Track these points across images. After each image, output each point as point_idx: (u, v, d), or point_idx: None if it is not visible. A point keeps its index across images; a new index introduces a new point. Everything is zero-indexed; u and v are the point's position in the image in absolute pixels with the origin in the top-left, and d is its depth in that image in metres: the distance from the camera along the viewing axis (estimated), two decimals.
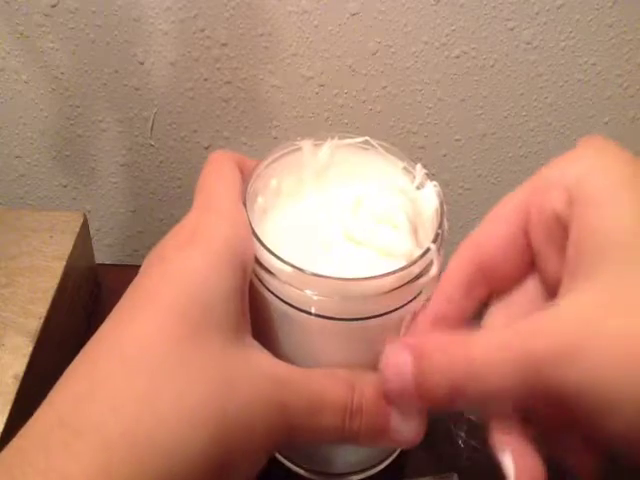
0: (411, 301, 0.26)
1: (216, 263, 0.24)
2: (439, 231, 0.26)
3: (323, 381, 0.25)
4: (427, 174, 0.29)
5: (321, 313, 0.25)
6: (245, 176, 0.29)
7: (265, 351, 0.25)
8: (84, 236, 0.43)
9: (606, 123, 0.48)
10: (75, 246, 0.41)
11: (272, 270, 0.25)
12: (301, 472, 0.32)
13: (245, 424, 0.22)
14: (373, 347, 0.27)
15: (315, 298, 0.25)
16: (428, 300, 0.26)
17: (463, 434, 0.35)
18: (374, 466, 0.33)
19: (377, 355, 0.27)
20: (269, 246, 0.25)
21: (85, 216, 0.43)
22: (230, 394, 0.22)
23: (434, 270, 0.26)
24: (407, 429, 0.26)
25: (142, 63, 0.45)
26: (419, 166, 0.29)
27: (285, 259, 0.25)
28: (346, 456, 0.32)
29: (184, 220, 0.26)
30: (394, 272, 0.25)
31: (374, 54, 0.45)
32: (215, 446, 0.21)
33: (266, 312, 0.27)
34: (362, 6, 0.43)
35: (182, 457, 0.21)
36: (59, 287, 0.38)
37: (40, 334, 0.36)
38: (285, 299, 0.26)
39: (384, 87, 0.46)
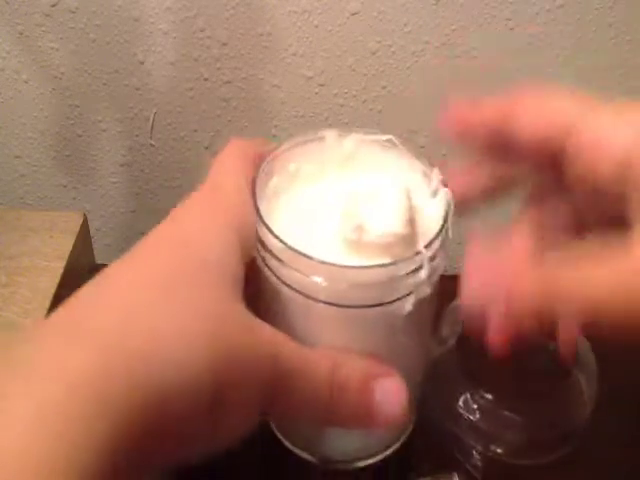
0: (412, 292, 0.26)
1: (219, 231, 0.25)
2: (441, 234, 0.26)
3: (312, 353, 0.26)
4: (443, 180, 0.28)
5: (329, 300, 0.26)
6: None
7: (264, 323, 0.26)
8: (84, 236, 0.43)
9: None
10: (75, 246, 0.41)
11: (280, 256, 0.26)
12: (309, 457, 0.33)
13: (238, 366, 0.22)
14: (376, 337, 0.27)
15: (324, 285, 0.25)
16: None
17: (462, 434, 0.35)
18: (380, 452, 0.33)
19: (377, 344, 0.27)
20: (279, 228, 0.26)
21: (85, 216, 0.43)
22: (225, 334, 0.22)
23: (437, 264, 0.26)
24: (391, 411, 0.26)
25: (142, 63, 0.45)
26: (436, 170, 0.29)
27: (293, 245, 0.25)
28: (353, 442, 0.33)
29: (193, 193, 0.28)
30: (400, 261, 0.25)
31: (374, 54, 0.45)
32: (209, 376, 0.21)
33: (271, 297, 0.28)
34: (362, 6, 0.43)
35: (176, 377, 0.20)
36: (59, 287, 0.38)
37: None
38: (293, 285, 0.26)
39: (384, 87, 0.46)
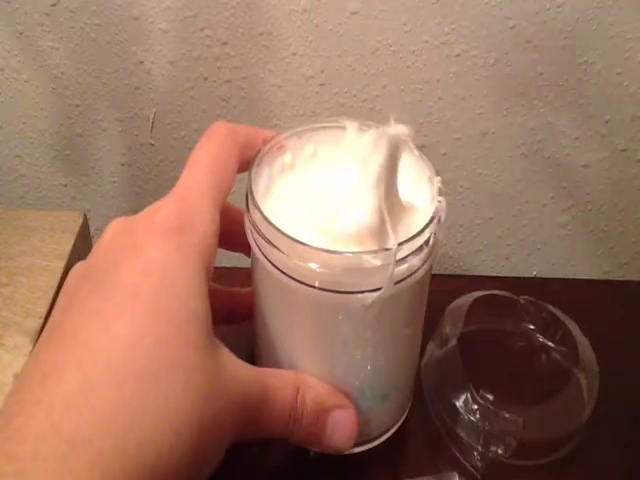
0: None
1: (192, 261, 0.25)
2: (418, 237, 0.27)
3: (275, 381, 0.27)
4: (440, 188, 0.29)
5: (325, 287, 0.26)
6: (255, 146, 0.31)
7: (229, 352, 0.26)
8: (84, 236, 0.43)
9: (606, 122, 0.47)
10: (75, 246, 0.41)
11: (276, 244, 0.26)
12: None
13: (217, 430, 0.23)
14: (358, 322, 0.28)
15: (319, 271, 0.25)
16: None
17: (463, 434, 0.35)
18: (377, 437, 0.33)
19: (358, 331, 0.28)
20: (281, 206, 0.27)
21: (85, 216, 0.43)
22: (207, 404, 0.23)
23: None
24: (340, 441, 0.29)
25: (142, 62, 0.45)
26: (438, 179, 0.29)
27: (288, 233, 0.25)
28: None
29: (161, 206, 0.26)
30: (388, 249, 0.26)
31: (374, 53, 0.45)
32: (192, 455, 0.22)
33: (266, 284, 0.28)
34: (362, 5, 0.43)
35: (165, 469, 0.21)
36: (59, 287, 0.38)
37: (40, 334, 0.36)
38: (288, 272, 0.26)
39: (384, 86, 0.46)
